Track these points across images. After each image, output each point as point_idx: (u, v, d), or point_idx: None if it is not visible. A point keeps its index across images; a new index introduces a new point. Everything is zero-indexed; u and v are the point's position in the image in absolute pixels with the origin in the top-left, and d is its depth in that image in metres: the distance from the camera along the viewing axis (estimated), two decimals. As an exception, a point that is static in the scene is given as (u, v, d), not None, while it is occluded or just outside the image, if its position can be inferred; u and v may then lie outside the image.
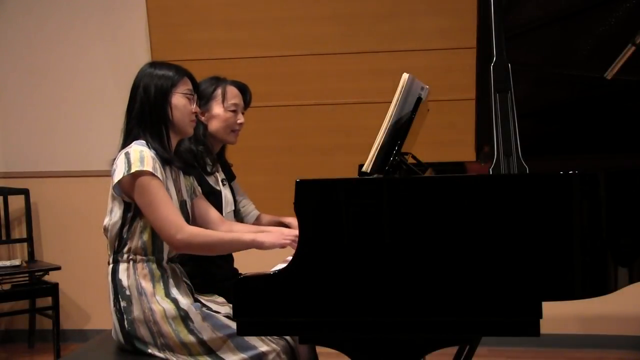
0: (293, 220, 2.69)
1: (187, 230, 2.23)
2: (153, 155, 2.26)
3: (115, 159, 2.31)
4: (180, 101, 2.35)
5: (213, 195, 2.63)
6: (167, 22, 4.24)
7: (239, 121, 2.71)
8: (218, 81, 2.71)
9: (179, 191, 2.38)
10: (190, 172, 2.49)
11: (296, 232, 2.08)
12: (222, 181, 2.71)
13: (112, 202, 2.29)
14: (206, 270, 2.54)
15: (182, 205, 2.37)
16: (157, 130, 2.32)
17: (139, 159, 2.22)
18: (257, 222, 2.88)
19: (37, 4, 4.45)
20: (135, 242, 2.27)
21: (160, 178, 2.24)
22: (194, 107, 2.39)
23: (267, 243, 2.27)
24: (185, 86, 2.37)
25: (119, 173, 2.22)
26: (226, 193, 2.70)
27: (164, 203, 2.21)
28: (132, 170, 2.20)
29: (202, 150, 2.63)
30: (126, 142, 2.32)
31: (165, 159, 2.30)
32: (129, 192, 2.24)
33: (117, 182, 2.23)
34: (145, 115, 2.32)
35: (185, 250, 2.27)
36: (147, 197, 2.21)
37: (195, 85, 2.42)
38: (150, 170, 2.21)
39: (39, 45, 4.48)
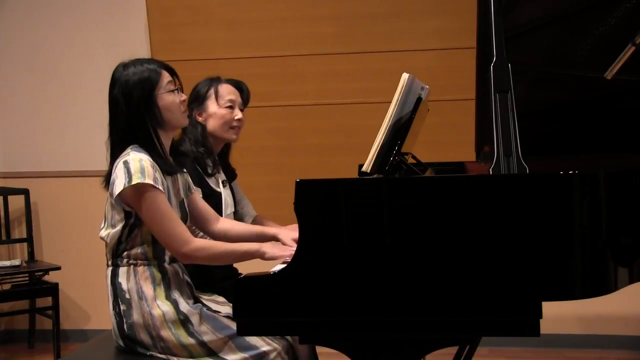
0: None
1: (193, 244, 2.21)
2: (152, 163, 2.20)
3: (110, 169, 2.24)
4: (167, 99, 2.26)
5: (213, 197, 2.62)
6: (167, 22, 4.24)
7: (236, 117, 2.69)
8: (211, 81, 2.71)
9: (177, 192, 2.34)
10: (186, 169, 2.44)
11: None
12: (222, 183, 2.70)
13: (112, 211, 2.24)
14: (206, 270, 2.53)
15: (181, 205, 2.35)
16: (149, 142, 2.24)
17: (139, 169, 2.15)
18: (255, 223, 2.88)
19: (37, 5, 4.45)
20: (135, 250, 2.25)
21: (162, 188, 2.20)
22: (181, 96, 2.32)
23: (268, 255, 2.25)
24: (165, 80, 2.27)
25: (119, 184, 2.16)
26: (226, 195, 2.69)
27: (168, 217, 2.19)
28: (134, 182, 2.14)
29: (203, 152, 2.62)
30: (116, 153, 2.25)
31: (166, 171, 2.26)
32: (129, 203, 2.20)
33: (117, 194, 2.17)
34: (132, 128, 2.23)
35: (191, 262, 2.27)
36: (151, 212, 2.17)
37: (174, 73, 2.32)
38: (152, 182, 2.16)
39: (39, 46, 4.47)
